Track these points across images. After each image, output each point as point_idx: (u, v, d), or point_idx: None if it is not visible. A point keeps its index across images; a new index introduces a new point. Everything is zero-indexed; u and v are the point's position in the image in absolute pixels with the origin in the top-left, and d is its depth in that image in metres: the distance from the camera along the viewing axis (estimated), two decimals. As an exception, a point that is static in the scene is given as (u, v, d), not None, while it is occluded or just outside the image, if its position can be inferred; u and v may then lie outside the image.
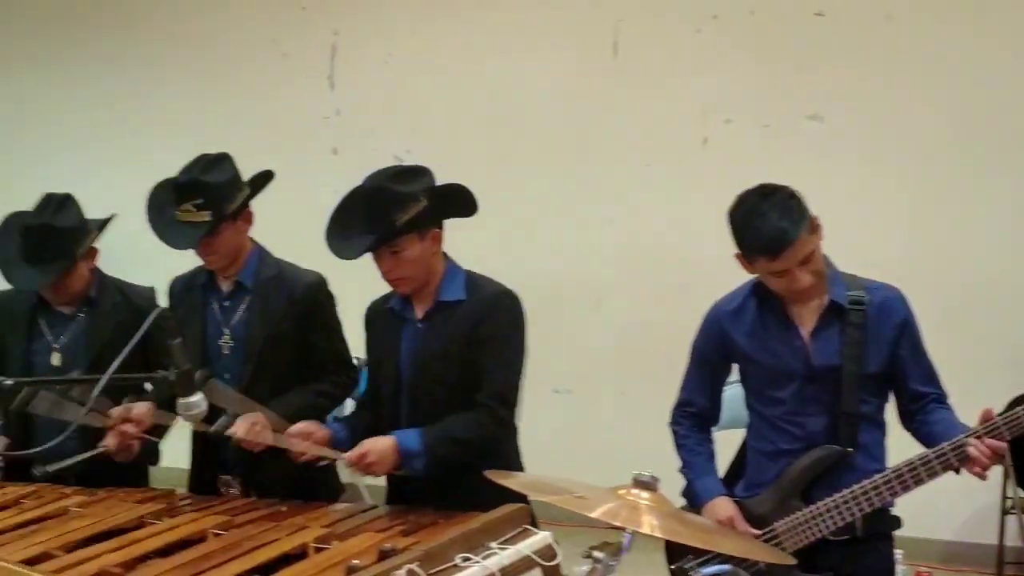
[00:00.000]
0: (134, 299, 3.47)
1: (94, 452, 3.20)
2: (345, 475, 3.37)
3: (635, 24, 5.36)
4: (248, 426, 2.96)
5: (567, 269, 5.43)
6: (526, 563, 2.35)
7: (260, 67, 5.81)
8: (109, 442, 3.21)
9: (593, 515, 2.14)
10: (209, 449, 3.28)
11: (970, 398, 2.93)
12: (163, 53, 5.94)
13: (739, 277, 3.01)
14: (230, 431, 2.96)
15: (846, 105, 5.29)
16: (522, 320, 3.08)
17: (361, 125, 5.63)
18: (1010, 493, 4.96)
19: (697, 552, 2.75)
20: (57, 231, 3.29)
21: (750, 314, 2.98)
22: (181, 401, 2.61)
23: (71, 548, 2.48)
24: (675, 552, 2.98)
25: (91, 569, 2.31)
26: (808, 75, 5.26)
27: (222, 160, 3.21)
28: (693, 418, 3.15)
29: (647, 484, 2.25)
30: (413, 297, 3.11)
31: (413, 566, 2.15)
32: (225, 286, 3.30)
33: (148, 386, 2.57)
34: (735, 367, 3.12)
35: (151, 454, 3.43)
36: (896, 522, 2.97)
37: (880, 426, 2.96)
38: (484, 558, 2.27)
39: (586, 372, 5.66)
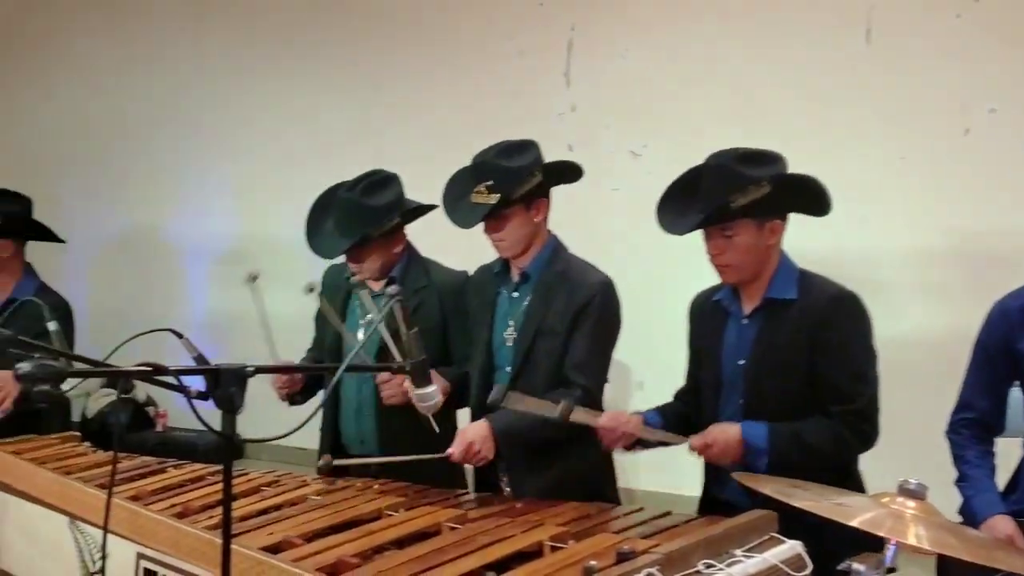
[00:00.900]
0: (437, 281, 3.45)
1: None
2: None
3: (890, 9, 5.08)
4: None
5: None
6: (773, 573, 2.20)
7: (495, 65, 5.81)
8: None
9: (853, 524, 1.97)
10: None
11: None
12: (403, 53, 6.04)
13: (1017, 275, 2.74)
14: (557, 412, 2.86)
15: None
16: (867, 324, 2.89)
17: (597, 121, 5.53)
18: None
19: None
20: (359, 206, 3.32)
21: None
22: (416, 392, 2.60)
23: (309, 538, 2.50)
24: (950, 572, 2.73)
25: (329, 559, 2.32)
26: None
27: (525, 146, 3.19)
28: (974, 426, 2.92)
29: (914, 492, 2.06)
30: (742, 290, 2.98)
31: (653, 570, 2.06)
32: (515, 277, 3.26)
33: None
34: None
35: None
36: None
37: None
38: (728, 565, 2.16)
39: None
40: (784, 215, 2.90)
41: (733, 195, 2.77)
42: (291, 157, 6.16)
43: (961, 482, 2.87)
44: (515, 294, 3.24)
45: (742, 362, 2.93)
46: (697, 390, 3.07)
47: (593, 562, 2.13)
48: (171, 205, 6.68)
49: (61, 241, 4.08)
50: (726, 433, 2.81)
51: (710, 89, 5.36)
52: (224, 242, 6.39)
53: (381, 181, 3.40)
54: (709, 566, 2.17)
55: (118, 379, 6.39)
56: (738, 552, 2.24)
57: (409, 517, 2.67)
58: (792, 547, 2.32)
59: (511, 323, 3.21)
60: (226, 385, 1.92)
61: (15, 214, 3.88)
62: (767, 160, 2.85)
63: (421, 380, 2.54)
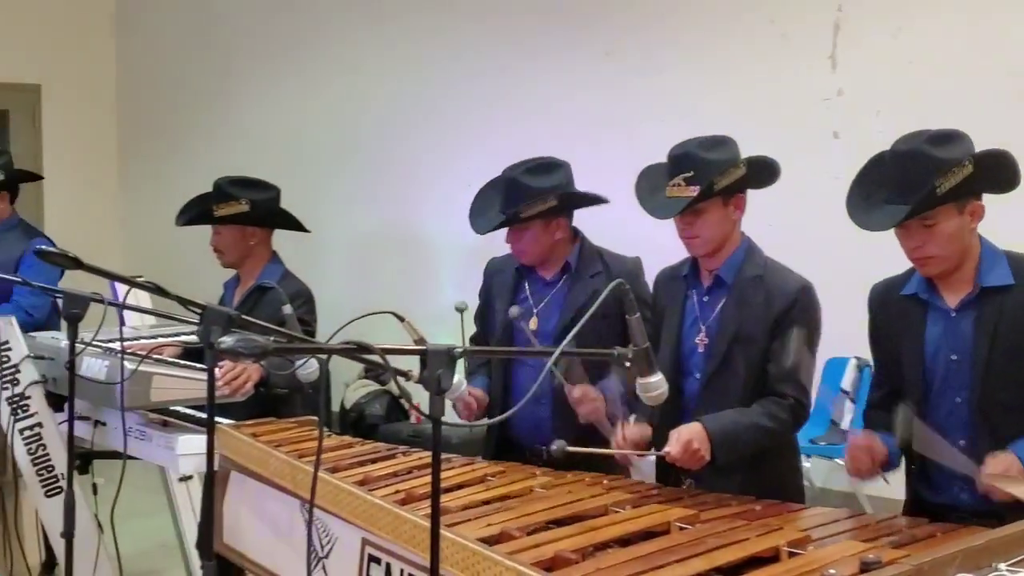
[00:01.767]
0: (615, 269, 3.37)
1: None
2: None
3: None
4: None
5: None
6: (1045, 593, 1.94)
7: (757, 48, 5.59)
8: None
9: None
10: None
11: None
12: (659, 38, 5.90)
13: None
14: None
15: None
16: None
17: (865, 107, 5.21)
18: None
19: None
20: (516, 183, 3.34)
21: None
22: (640, 381, 2.48)
23: (531, 531, 2.42)
24: None
25: (547, 553, 2.24)
26: None
27: (723, 141, 3.05)
28: None
29: None
30: (940, 281, 2.73)
31: (900, 583, 1.85)
32: (706, 280, 3.11)
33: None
34: None
35: None
36: None
37: None
38: (989, 582, 1.91)
39: None
40: (979, 195, 2.66)
41: (937, 180, 2.55)
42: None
43: None
44: (706, 298, 3.09)
45: (955, 357, 2.68)
46: (897, 393, 2.78)
47: (833, 570, 1.99)
48: (422, 202, 6.85)
49: (307, 231, 4.15)
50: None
51: (995, 70, 4.90)
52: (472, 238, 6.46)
53: (547, 165, 3.41)
54: (966, 582, 1.94)
55: (376, 371, 6.68)
56: (1002, 566, 1.99)
57: (637, 515, 2.55)
58: (1068, 563, 2.04)
59: (702, 328, 3.06)
60: (434, 367, 1.87)
61: (263, 202, 3.96)
62: (957, 138, 2.63)
63: (646, 369, 2.42)
